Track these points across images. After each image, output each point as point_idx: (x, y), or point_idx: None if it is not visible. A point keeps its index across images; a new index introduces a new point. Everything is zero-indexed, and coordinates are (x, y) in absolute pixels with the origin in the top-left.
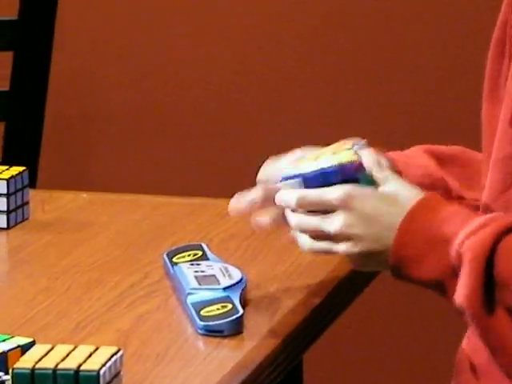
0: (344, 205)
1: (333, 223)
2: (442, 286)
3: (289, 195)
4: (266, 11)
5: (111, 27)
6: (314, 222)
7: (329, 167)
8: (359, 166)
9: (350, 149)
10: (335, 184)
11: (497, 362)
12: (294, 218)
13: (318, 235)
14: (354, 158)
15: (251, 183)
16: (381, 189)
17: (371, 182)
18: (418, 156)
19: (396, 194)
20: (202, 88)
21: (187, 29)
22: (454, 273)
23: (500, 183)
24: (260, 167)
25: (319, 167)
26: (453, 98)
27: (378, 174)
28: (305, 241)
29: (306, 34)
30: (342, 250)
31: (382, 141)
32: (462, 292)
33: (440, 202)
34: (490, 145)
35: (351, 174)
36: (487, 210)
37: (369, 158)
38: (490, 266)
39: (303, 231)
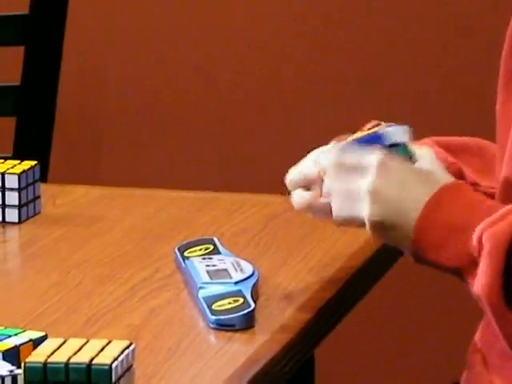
0: (380, 168)
1: (365, 177)
2: (461, 274)
3: (327, 158)
4: (267, 10)
5: (123, 22)
6: (345, 179)
7: (367, 135)
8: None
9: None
10: None
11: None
12: (328, 180)
13: (344, 194)
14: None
15: (262, 177)
16: (418, 163)
17: (408, 153)
18: (429, 145)
19: (431, 172)
20: (213, 85)
21: (194, 27)
22: (474, 262)
23: None
24: (269, 161)
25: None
26: (458, 95)
27: (417, 149)
28: (333, 207)
29: (306, 33)
30: (366, 210)
31: None
32: (481, 282)
33: (467, 189)
34: (505, 138)
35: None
36: (502, 202)
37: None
38: (510, 256)
39: (333, 189)
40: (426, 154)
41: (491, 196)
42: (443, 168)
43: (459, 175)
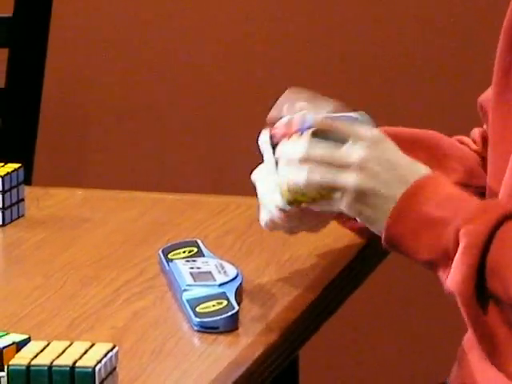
0: (374, 140)
1: (354, 151)
2: (435, 267)
3: (316, 117)
4: (264, 9)
5: (107, 24)
6: (327, 146)
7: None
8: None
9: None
10: None
11: (483, 350)
12: (300, 147)
13: (323, 163)
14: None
15: (246, 181)
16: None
17: None
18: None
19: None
20: (196, 86)
21: (183, 26)
22: (447, 256)
23: None
24: (255, 165)
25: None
26: (455, 94)
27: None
28: (303, 173)
29: (304, 33)
30: (351, 180)
31: None
32: (454, 278)
33: (446, 182)
34: (500, 133)
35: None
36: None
37: None
38: (485, 254)
39: (308, 159)
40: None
41: None
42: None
43: None
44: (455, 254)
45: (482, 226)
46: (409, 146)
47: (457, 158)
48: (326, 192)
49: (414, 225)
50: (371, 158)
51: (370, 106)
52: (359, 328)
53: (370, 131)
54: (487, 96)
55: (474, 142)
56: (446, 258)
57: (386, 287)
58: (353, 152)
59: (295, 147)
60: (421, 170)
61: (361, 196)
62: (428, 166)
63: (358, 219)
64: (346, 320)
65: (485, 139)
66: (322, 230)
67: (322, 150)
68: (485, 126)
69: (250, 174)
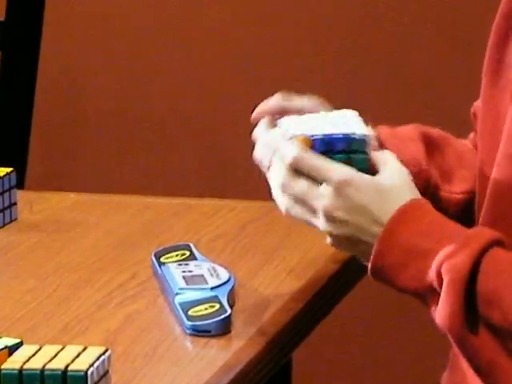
0: (337, 186)
1: (320, 197)
2: (422, 298)
3: (288, 150)
4: (262, 9)
5: (100, 26)
6: (302, 186)
7: (342, 134)
8: (368, 141)
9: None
10: (339, 151)
11: (481, 379)
12: (280, 176)
13: (299, 201)
14: (369, 131)
15: (238, 184)
16: (378, 178)
17: (366, 164)
18: (411, 140)
19: (393, 187)
20: (190, 89)
21: (179, 28)
22: (434, 290)
23: (508, 180)
24: (246, 168)
25: (332, 132)
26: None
27: (378, 154)
28: (283, 202)
29: (302, 33)
30: (321, 227)
31: None
32: (442, 314)
33: (427, 211)
34: (489, 135)
35: (360, 146)
36: (492, 204)
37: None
38: (472, 286)
39: (285, 192)
40: (391, 163)
41: (450, 202)
42: (408, 181)
43: (425, 181)
44: (441, 289)
45: (465, 259)
46: (436, 151)
47: (468, 165)
48: None
49: (397, 260)
50: (336, 208)
51: (363, 105)
52: (351, 331)
53: (339, 173)
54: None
55: (475, 147)
56: (433, 293)
57: (378, 291)
58: (320, 199)
59: (277, 173)
60: (394, 204)
61: (337, 240)
62: (442, 174)
63: None
64: (339, 323)
65: (475, 146)
66: (314, 234)
67: (297, 188)
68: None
69: (243, 177)
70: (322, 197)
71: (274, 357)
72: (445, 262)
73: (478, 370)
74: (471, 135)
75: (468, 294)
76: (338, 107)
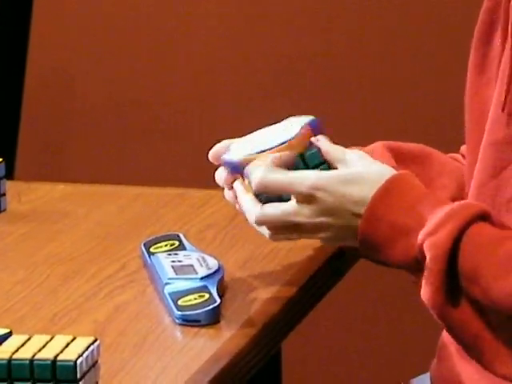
0: (309, 199)
1: (298, 214)
2: (410, 272)
3: (254, 172)
4: (259, 9)
5: (90, 17)
6: (278, 214)
7: (282, 141)
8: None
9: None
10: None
11: (468, 353)
12: (254, 211)
13: (279, 227)
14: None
15: None
16: (338, 171)
17: (317, 154)
18: (377, 152)
19: (361, 175)
20: (179, 80)
21: (172, 21)
22: (419, 266)
23: (490, 168)
24: None
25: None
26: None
27: (332, 150)
28: (266, 232)
29: (299, 33)
30: (311, 236)
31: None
32: (426, 291)
33: (404, 185)
34: (475, 129)
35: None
36: (476, 193)
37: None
38: (454, 260)
39: (264, 224)
40: (348, 154)
41: None
42: (371, 160)
43: None
44: (425, 266)
45: (445, 236)
46: (408, 161)
47: (449, 173)
48: None
49: (383, 238)
50: (317, 214)
51: (357, 111)
52: (341, 321)
53: (304, 184)
54: None
55: (463, 157)
56: (418, 268)
57: (367, 281)
58: (299, 213)
59: (248, 209)
60: (366, 189)
61: (328, 241)
62: (422, 181)
63: None
64: (328, 313)
65: None
66: None
67: (272, 216)
68: None
69: None
70: (300, 211)
71: (264, 347)
72: (426, 239)
73: (463, 345)
74: (462, 148)
75: (450, 270)
76: (333, 109)
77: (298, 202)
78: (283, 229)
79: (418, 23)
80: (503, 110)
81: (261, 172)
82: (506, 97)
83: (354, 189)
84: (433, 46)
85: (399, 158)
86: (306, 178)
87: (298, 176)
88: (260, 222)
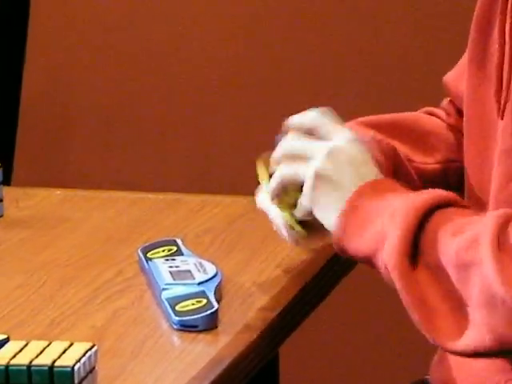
0: (327, 155)
1: (312, 154)
2: (372, 259)
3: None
4: (257, 9)
5: (89, 21)
6: (302, 142)
7: None
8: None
9: None
10: None
11: (413, 316)
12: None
13: (295, 155)
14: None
15: (225, 179)
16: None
17: None
18: (353, 128)
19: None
20: (178, 85)
21: (169, 24)
22: (383, 238)
23: (505, 175)
24: (232, 163)
25: None
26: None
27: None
28: (277, 173)
29: (295, 33)
30: (312, 165)
31: None
32: (390, 250)
33: (385, 188)
34: (476, 133)
35: None
36: (494, 202)
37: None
38: (420, 226)
39: (285, 155)
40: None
41: (425, 172)
42: (368, 162)
43: (391, 151)
44: (390, 227)
45: (422, 200)
46: (390, 132)
47: (437, 135)
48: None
49: (359, 222)
50: (323, 170)
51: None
52: (338, 326)
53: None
54: (452, 75)
55: (448, 114)
56: (382, 241)
57: (365, 285)
58: (307, 168)
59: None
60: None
61: (321, 182)
62: (411, 148)
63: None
64: (326, 318)
65: (459, 110)
66: None
67: (297, 144)
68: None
69: (230, 172)
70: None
71: (261, 352)
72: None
73: (411, 304)
74: (444, 102)
75: (417, 229)
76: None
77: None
78: (295, 157)
79: (417, 22)
80: (502, 118)
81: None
82: (504, 105)
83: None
84: (432, 40)
85: (383, 129)
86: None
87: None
88: (282, 150)
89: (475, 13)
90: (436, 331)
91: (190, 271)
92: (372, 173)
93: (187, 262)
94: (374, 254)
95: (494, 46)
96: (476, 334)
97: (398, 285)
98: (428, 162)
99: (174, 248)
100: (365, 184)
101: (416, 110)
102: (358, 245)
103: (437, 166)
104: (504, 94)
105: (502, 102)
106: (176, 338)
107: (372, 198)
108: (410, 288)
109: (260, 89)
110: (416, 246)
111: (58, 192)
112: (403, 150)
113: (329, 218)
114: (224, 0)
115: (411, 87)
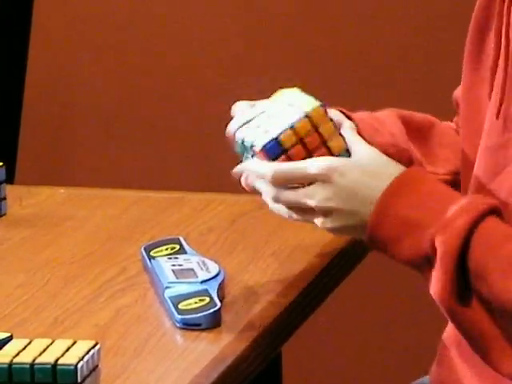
0: (323, 178)
1: (311, 197)
2: (418, 270)
3: (264, 168)
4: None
5: (91, 21)
6: (292, 196)
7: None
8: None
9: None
10: None
11: (475, 351)
12: (271, 192)
13: (294, 207)
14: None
15: (228, 178)
16: (354, 158)
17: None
18: (390, 122)
19: (376, 167)
20: (180, 84)
21: (170, 25)
22: (429, 262)
23: (488, 172)
24: (235, 162)
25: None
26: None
27: (353, 144)
28: (281, 209)
29: (293, 33)
30: (319, 223)
31: None
32: (435, 287)
33: (417, 180)
34: (471, 133)
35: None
36: (476, 192)
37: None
38: (464, 258)
39: (279, 202)
40: (359, 144)
41: None
42: (383, 155)
43: (408, 161)
44: (435, 261)
45: (456, 233)
46: (413, 133)
47: (451, 145)
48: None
49: (392, 232)
50: (328, 198)
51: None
52: (341, 325)
53: (317, 166)
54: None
55: (457, 131)
56: (428, 264)
57: (368, 284)
58: (312, 195)
59: (265, 190)
60: (380, 180)
61: (335, 231)
62: (425, 155)
63: None
64: (329, 317)
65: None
66: (304, 227)
67: (287, 197)
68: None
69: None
70: (312, 194)
71: (264, 350)
72: (437, 235)
73: (470, 341)
74: (455, 119)
75: (459, 268)
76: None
77: (313, 184)
78: (298, 210)
79: (416, 21)
80: (497, 117)
81: (270, 165)
82: (500, 105)
83: (368, 179)
84: (432, 41)
85: (409, 129)
86: (319, 160)
87: (310, 161)
88: (276, 199)
89: (474, 14)
90: (493, 364)
91: (193, 269)
92: (375, 186)
93: (190, 260)
94: (419, 269)
95: (490, 47)
96: None
97: (451, 322)
98: (438, 172)
99: (177, 246)
100: (381, 198)
101: (416, 110)
102: (395, 254)
103: (446, 177)
104: (499, 94)
105: (498, 102)
106: (179, 337)
107: (398, 204)
108: (465, 327)
109: (260, 88)
110: (465, 274)
111: (62, 190)
112: (418, 158)
113: (360, 236)
114: (224, 0)
115: (411, 87)
